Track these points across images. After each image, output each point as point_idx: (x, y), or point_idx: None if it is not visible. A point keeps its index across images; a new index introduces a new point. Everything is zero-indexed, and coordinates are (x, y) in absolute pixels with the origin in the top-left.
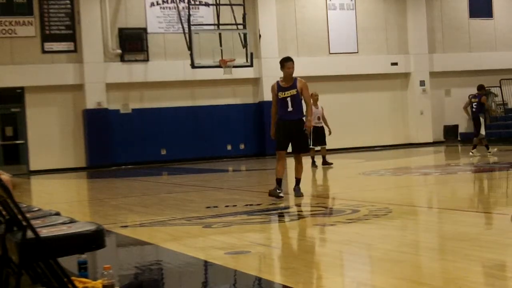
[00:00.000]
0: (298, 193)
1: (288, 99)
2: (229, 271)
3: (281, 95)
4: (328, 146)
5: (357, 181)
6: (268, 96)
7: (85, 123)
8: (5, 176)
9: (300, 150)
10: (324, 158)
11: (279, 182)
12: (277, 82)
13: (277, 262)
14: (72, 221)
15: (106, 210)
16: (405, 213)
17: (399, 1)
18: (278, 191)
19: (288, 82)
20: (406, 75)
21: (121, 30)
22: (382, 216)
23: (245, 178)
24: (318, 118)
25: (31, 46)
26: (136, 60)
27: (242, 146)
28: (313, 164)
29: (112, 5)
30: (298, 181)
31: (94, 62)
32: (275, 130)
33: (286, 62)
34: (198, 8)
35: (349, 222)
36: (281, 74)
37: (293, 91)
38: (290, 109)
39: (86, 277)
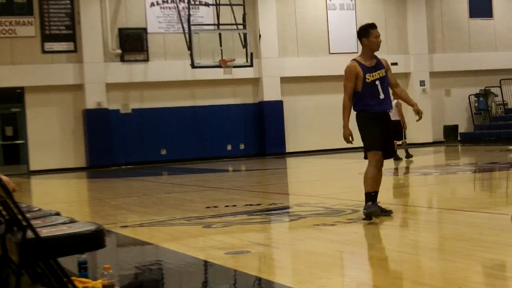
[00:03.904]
0: (378, 210)
1: (378, 82)
2: (229, 271)
3: (369, 77)
4: (328, 146)
5: (357, 181)
6: (268, 95)
7: (85, 123)
8: (6, 177)
9: (392, 153)
10: (406, 151)
11: (375, 197)
12: (356, 60)
13: (277, 262)
14: (72, 221)
15: (106, 210)
16: (405, 213)
17: (399, 1)
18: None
19: (371, 59)
20: (406, 75)
21: (121, 30)
22: (382, 216)
23: (245, 178)
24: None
25: (31, 46)
26: (136, 60)
27: (242, 146)
28: (398, 157)
29: (112, 5)
30: (376, 195)
31: (94, 62)
32: (367, 126)
33: (372, 29)
34: (198, 8)
35: (349, 222)
36: (282, 73)
37: (382, 72)
38: (382, 96)
39: (86, 277)
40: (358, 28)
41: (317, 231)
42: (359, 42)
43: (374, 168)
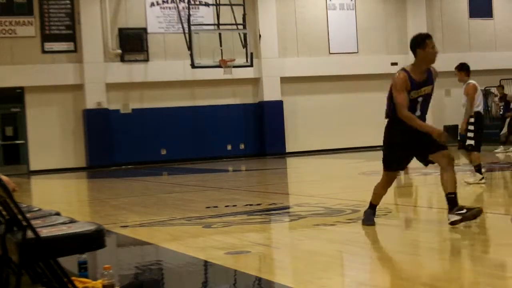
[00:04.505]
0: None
1: (420, 99)
2: (229, 271)
3: (414, 95)
4: (328, 146)
5: (357, 181)
6: (268, 95)
7: (85, 123)
8: (6, 177)
9: (442, 144)
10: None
11: (374, 207)
12: (407, 71)
13: (277, 262)
14: (72, 221)
15: (106, 210)
16: (405, 213)
17: (399, 1)
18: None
19: (423, 73)
20: None
21: (121, 30)
22: (382, 216)
23: (245, 178)
24: None
25: (31, 46)
26: (136, 60)
27: (242, 146)
28: None
29: (112, 5)
30: (455, 198)
31: (94, 62)
32: (393, 145)
33: (429, 40)
34: (198, 8)
35: (349, 222)
36: (282, 73)
37: (429, 88)
38: (418, 113)
39: (86, 277)
40: (412, 38)
41: (317, 231)
42: (357, 43)
43: (383, 188)
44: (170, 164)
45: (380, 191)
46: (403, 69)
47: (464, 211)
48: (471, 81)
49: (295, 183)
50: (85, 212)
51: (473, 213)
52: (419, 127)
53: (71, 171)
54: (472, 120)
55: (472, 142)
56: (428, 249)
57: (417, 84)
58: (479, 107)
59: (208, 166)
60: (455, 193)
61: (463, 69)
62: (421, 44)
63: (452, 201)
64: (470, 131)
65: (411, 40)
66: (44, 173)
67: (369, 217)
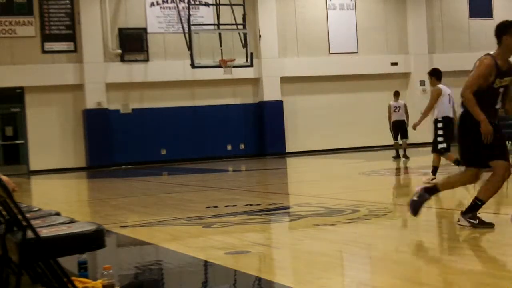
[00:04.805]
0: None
1: (501, 90)
2: (229, 271)
3: (498, 83)
4: (328, 146)
5: (357, 181)
6: (268, 95)
7: (85, 123)
8: (6, 177)
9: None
10: (404, 151)
11: (435, 192)
12: (494, 58)
13: (277, 262)
14: (72, 221)
15: (106, 210)
16: (405, 213)
17: (399, 1)
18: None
19: (506, 62)
20: (406, 75)
21: (121, 30)
22: (382, 216)
23: (245, 178)
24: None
25: (31, 46)
26: (136, 60)
27: (242, 146)
28: (397, 156)
29: (112, 5)
30: (479, 206)
31: (94, 62)
32: (475, 140)
33: None
34: (198, 8)
35: (349, 222)
36: (282, 73)
37: (509, 80)
38: (498, 105)
39: (86, 277)
40: (498, 24)
41: (317, 231)
42: (357, 43)
43: (462, 183)
44: (170, 164)
45: (455, 183)
46: (490, 55)
47: (476, 221)
48: (439, 86)
49: (295, 183)
50: (85, 212)
51: (482, 228)
52: (475, 114)
53: (71, 171)
54: (440, 125)
55: (443, 145)
56: (428, 249)
57: (502, 73)
58: (445, 112)
59: (208, 166)
60: (483, 202)
61: (434, 74)
62: (508, 30)
63: (473, 207)
64: (440, 135)
65: (497, 26)
66: (44, 173)
67: (418, 203)
